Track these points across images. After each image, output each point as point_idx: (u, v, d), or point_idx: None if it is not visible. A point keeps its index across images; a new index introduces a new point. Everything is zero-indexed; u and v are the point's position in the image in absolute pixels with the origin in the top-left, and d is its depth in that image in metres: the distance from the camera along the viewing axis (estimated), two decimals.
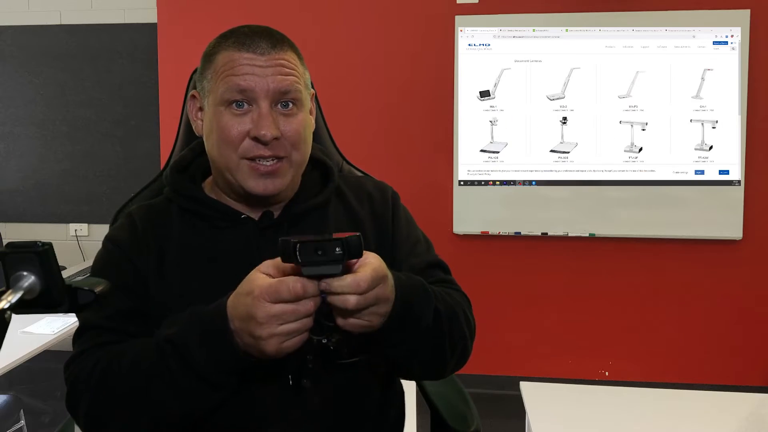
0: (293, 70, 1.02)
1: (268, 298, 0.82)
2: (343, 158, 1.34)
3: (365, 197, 1.15)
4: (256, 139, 0.99)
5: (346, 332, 0.89)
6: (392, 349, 0.95)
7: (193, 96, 1.08)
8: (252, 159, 1.01)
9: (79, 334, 1.02)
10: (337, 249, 0.82)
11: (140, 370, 0.91)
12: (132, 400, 0.92)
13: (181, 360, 0.89)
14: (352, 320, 0.87)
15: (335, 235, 0.82)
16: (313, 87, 1.14)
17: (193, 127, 1.09)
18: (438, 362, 1.04)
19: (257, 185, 1.01)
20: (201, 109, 1.07)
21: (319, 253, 0.82)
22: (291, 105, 1.02)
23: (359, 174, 1.32)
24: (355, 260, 0.84)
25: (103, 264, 1.06)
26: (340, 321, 0.87)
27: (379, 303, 0.87)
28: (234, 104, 1.00)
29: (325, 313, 0.88)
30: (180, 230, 1.06)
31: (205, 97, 1.04)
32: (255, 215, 1.07)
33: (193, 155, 1.14)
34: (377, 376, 1.07)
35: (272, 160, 1.01)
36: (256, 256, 1.00)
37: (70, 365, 0.99)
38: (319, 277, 0.83)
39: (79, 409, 0.96)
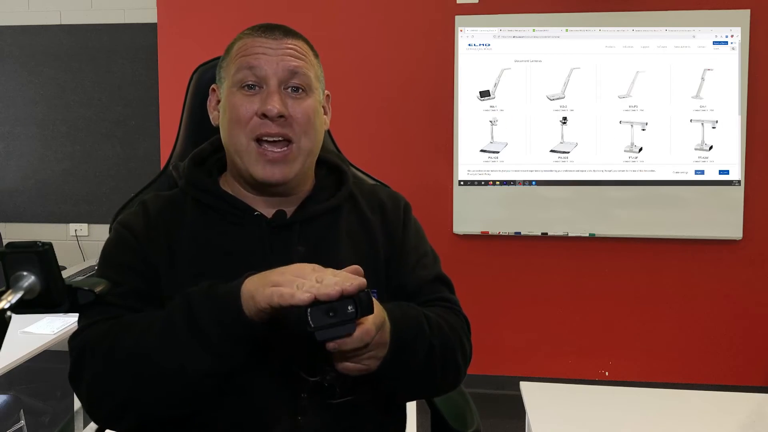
0: (303, 56, 1.05)
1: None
2: (348, 163, 1.34)
3: (378, 205, 1.15)
4: (264, 116, 1.00)
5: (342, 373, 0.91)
6: (384, 384, 0.97)
7: (213, 89, 1.11)
8: (260, 140, 1.01)
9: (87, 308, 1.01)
10: (350, 308, 0.82)
11: (148, 332, 0.91)
12: (136, 364, 0.90)
13: (186, 315, 0.89)
14: (350, 365, 0.89)
15: (345, 292, 0.81)
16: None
17: (211, 119, 1.11)
18: (427, 391, 1.08)
19: (264, 171, 1.02)
20: (219, 101, 1.09)
21: (331, 314, 0.82)
22: (300, 90, 1.03)
23: (370, 180, 1.32)
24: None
25: (115, 247, 1.05)
26: (339, 366, 0.89)
27: (377, 348, 0.90)
28: (246, 86, 1.02)
29: (323, 357, 0.89)
30: (193, 222, 1.06)
31: (222, 85, 1.07)
32: (268, 213, 1.07)
33: (212, 148, 1.15)
34: (373, 404, 1.06)
35: (281, 142, 1.02)
36: (267, 254, 1.01)
37: (76, 336, 0.97)
38: (331, 340, 0.83)
39: (82, 377, 0.94)
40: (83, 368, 0.94)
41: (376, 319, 0.87)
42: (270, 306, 0.84)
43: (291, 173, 1.04)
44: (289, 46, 1.04)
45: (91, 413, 0.95)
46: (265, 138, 1.02)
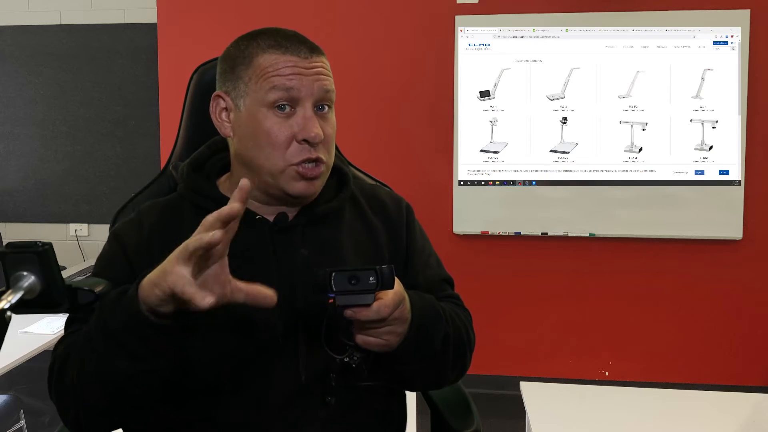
0: (329, 74, 1.05)
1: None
2: (348, 162, 1.33)
3: (379, 206, 1.16)
4: (306, 141, 1.00)
5: (366, 351, 0.94)
6: (402, 366, 1.00)
7: (218, 96, 1.07)
8: (298, 164, 1.01)
9: (69, 323, 1.03)
10: (371, 278, 0.86)
11: (82, 345, 0.93)
12: (77, 377, 0.92)
13: (100, 322, 0.89)
14: (371, 339, 0.92)
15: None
16: None
17: (218, 129, 1.08)
18: (439, 378, 1.09)
19: (301, 187, 1.02)
20: (226, 109, 1.05)
21: (353, 282, 0.85)
22: (326, 108, 1.04)
23: (369, 180, 1.33)
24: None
25: (105, 259, 1.07)
26: (359, 339, 0.92)
27: (396, 323, 0.92)
28: (277, 107, 1.01)
29: (346, 332, 0.93)
30: (192, 229, 1.05)
31: (240, 98, 1.03)
32: (270, 217, 1.07)
33: (209, 152, 1.14)
34: (384, 387, 1.09)
35: (314, 163, 1.02)
36: (270, 257, 1.02)
37: (52, 353, 1.01)
38: (349, 307, 0.87)
39: (51, 392, 0.98)
40: (51, 385, 0.98)
41: (395, 296, 0.89)
42: (169, 287, 0.82)
43: (320, 187, 1.06)
44: (318, 64, 1.03)
45: (64, 424, 1.01)
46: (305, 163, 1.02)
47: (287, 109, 1.01)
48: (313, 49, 1.04)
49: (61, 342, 1.00)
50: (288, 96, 1.00)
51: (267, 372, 1.00)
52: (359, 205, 1.14)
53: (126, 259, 1.03)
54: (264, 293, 0.86)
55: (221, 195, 1.07)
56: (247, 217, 1.05)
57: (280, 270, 1.02)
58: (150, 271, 0.87)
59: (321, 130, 1.01)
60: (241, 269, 0.94)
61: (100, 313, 0.90)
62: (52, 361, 0.98)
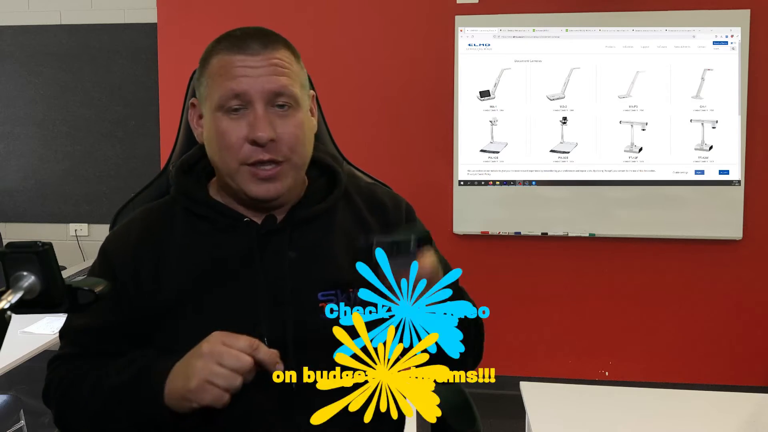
0: (287, 69, 1.01)
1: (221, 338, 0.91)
2: (345, 160, 1.33)
3: (376, 204, 1.14)
4: (254, 142, 0.98)
5: None
6: None
7: (193, 104, 1.08)
8: (252, 164, 0.99)
9: (63, 334, 1.08)
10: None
11: (95, 398, 0.98)
12: (86, 420, 0.99)
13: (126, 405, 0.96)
14: None
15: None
16: (313, 88, 1.14)
17: (195, 135, 1.08)
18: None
19: (259, 189, 1.01)
20: (201, 116, 1.06)
21: None
22: (287, 106, 1.00)
23: (366, 178, 1.31)
24: None
25: (93, 274, 1.08)
26: None
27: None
28: (230, 109, 0.99)
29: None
30: (182, 232, 1.05)
31: (203, 102, 1.04)
32: (258, 219, 1.06)
33: (200, 154, 1.13)
34: None
35: (270, 164, 1.00)
36: (257, 261, 1.00)
37: (50, 365, 1.06)
38: None
39: (50, 407, 1.05)
40: (49, 403, 1.04)
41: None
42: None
43: (284, 188, 1.02)
44: (271, 60, 0.99)
45: None
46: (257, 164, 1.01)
47: (241, 110, 0.99)
48: (267, 44, 1.00)
49: (59, 359, 1.06)
50: (237, 99, 0.99)
51: (254, 380, 0.97)
52: (353, 203, 1.12)
53: (114, 277, 1.03)
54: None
55: (211, 199, 1.07)
56: (235, 220, 1.05)
57: (267, 273, 1.01)
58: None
59: (271, 131, 0.98)
60: (227, 274, 0.94)
61: (117, 378, 0.96)
62: (48, 380, 1.03)
